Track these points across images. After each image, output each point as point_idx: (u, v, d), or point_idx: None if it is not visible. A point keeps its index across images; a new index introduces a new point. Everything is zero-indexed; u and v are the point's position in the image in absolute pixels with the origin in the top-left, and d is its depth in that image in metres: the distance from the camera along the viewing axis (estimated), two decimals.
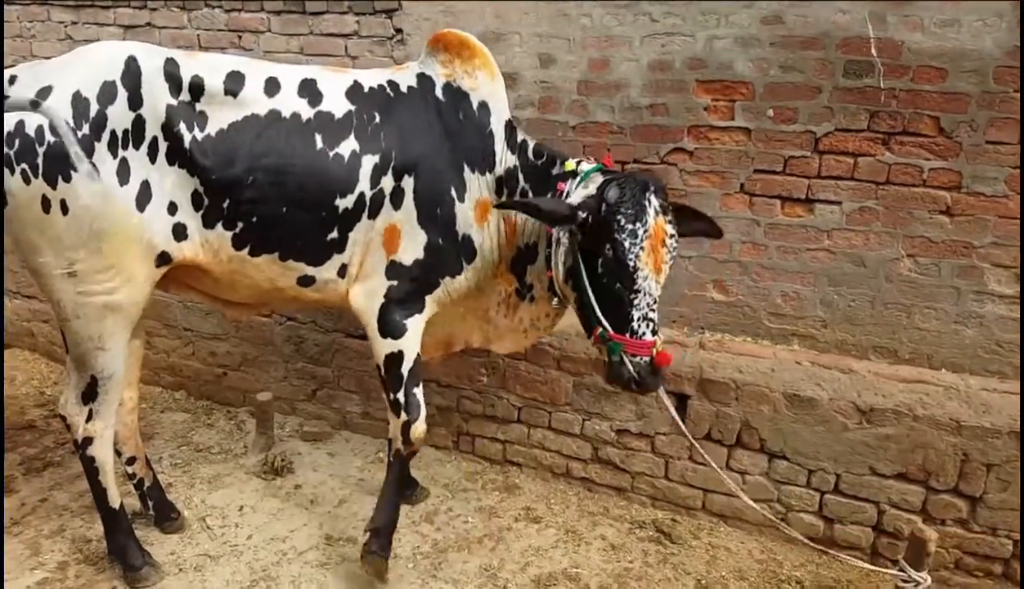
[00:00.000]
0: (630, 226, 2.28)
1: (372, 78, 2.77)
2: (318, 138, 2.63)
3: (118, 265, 2.53)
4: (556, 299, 2.67)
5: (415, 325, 2.78)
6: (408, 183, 2.67)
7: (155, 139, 2.51)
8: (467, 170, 2.72)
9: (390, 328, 2.75)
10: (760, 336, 3.40)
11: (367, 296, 2.76)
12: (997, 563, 3.02)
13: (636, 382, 2.35)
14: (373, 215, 2.69)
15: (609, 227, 2.29)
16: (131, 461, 3.13)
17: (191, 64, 2.58)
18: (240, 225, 2.63)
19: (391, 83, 2.76)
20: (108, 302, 2.57)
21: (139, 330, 3.04)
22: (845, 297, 3.22)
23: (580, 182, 2.50)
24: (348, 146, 2.65)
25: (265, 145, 2.58)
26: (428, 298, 2.78)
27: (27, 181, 2.40)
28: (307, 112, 2.64)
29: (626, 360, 2.34)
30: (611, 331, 2.35)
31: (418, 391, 2.83)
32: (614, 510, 3.51)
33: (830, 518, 3.22)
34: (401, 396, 2.81)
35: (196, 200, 2.58)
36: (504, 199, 2.71)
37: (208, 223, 2.61)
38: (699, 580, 3.06)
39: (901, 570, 2.53)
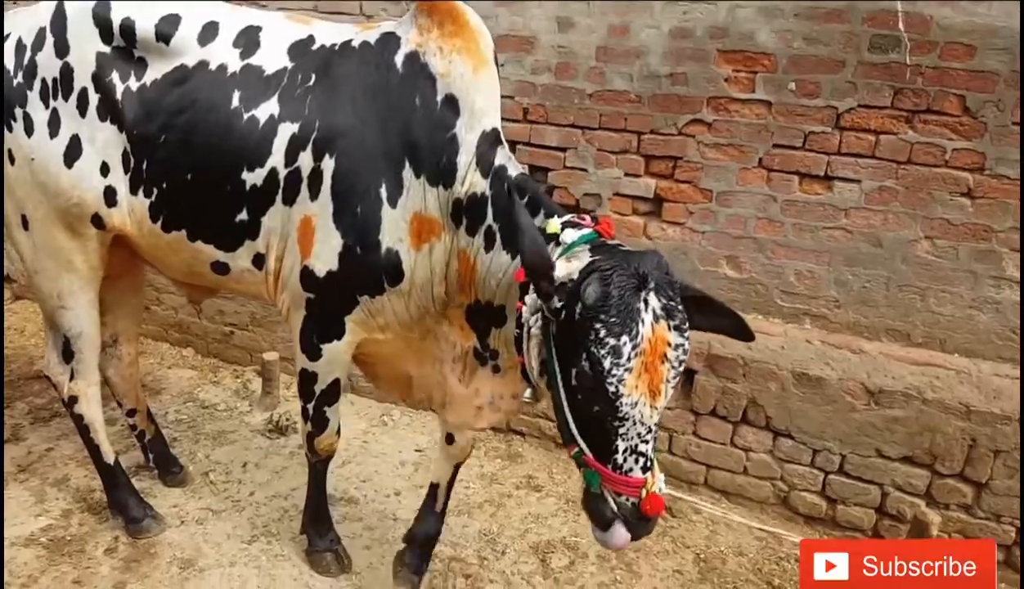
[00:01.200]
0: (612, 341, 1.65)
1: (332, 35, 2.29)
2: (236, 95, 2.22)
3: (60, 221, 2.45)
4: (530, 391, 2.04)
5: (333, 353, 2.35)
6: (328, 165, 2.15)
7: (84, 90, 2.32)
8: (408, 170, 2.12)
9: (307, 349, 2.38)
10: (771, 314, 3.36)
11: (291, 307, 2.37)
12: (1000, 550, 3.00)
13: (625, 525, 1.81)
14: (289, 200, 2.22)
15: (585, 334, 1.67)
16: (131, 413, 3.16)
17: (125, 5, 2.32)
18: (155, 193, 2.34)
19: (346, 42, 2.24)
20: (59, 260, 2.52)
21: (138, 287, 3.07)
22: (860, 278, 3.17)
23: (564, 253, 1.86)
24: (267, 109, 2.20)
25: (182, 99, 2.25)
26: (349, 320, 2.29)
27: None
28: (235, 64, 2.25)
29: (608, 496, 1.79)
30: (589, 456, 1.78)
31: (330, 410, 2.52)
32: None
33: (833, 498, 3.21)
34: (310, 408, 2.51)
35: (126, 161, 2.35)
36: (464, 231, 2.12)
37: (132, 188, 2.37)
38: (698, 554, 3.06)
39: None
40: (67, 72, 2.32)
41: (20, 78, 2.37)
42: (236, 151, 2.21)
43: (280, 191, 2.22)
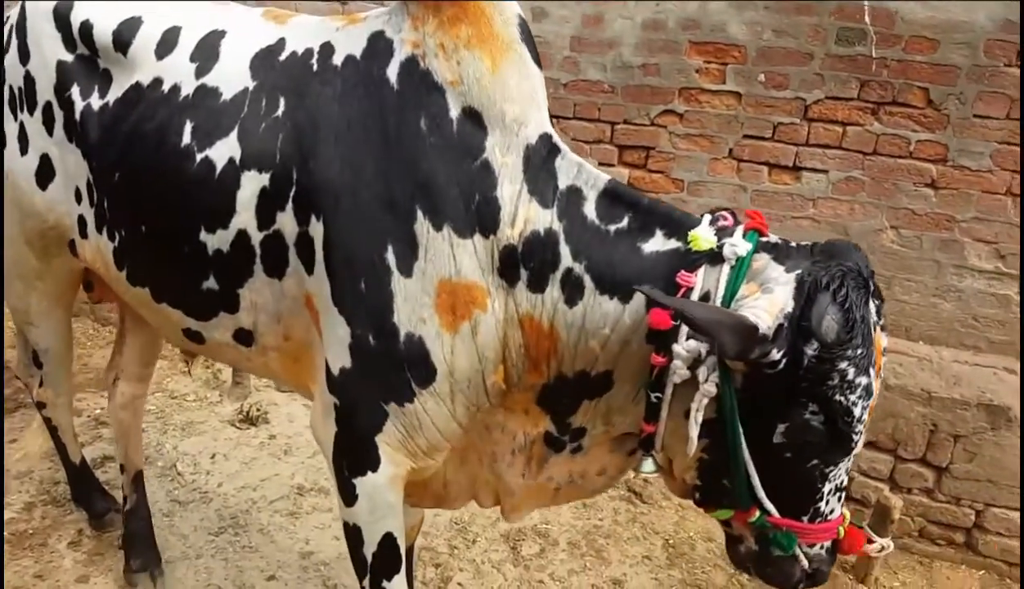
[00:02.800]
0: (863, 380, 1.30)
1: (307, 36, 1.72)
2: (187, 128, 1.70)
3: (33, 243, 2.17)
4: (651, 461, 1.57)
5: (371, 491, 1.68)
6: (318, 231, 1.59)
7: (49, 105, 1.93)
8: (422, 221, 1.52)
9: (341, 486, 1.73)
10: None
11: (321, 415, 1.74)
12: (959, 532, 3.09)
13: (810, 577, 1.50)
14: (275, 272, 1.68)
15: (822, 380, 1.29)
16: (122, 467, 2.68)
17: (87, 5, 1.91)
18: (117, 238, 1.88)
19: (325, 47, 1.66)
20: (28, 280, 2.31)
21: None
22: None
23: (738, 275, 1.38)
24: (224, 150, 1.67)
25: (133, 129, 1.79)
26: (381, 442, 1.64)
27: None
28: (189, 85, 1.74)
29: (801, 554, 1.46)
30: (778, 516, 1.44)
31: (393, 586, 1.79)
32: None
33: None
34: (367, 587, 1.79)
35: (90, 193, 1.92)
36: (524, 289, 1.53)
37: (97, 226, 1.93)
38: (667, 539, 3.10)
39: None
40: (30, 82, 1.96)
41: None
42: (189, 204, 1.71)
43: (258, 260, 1.68)
